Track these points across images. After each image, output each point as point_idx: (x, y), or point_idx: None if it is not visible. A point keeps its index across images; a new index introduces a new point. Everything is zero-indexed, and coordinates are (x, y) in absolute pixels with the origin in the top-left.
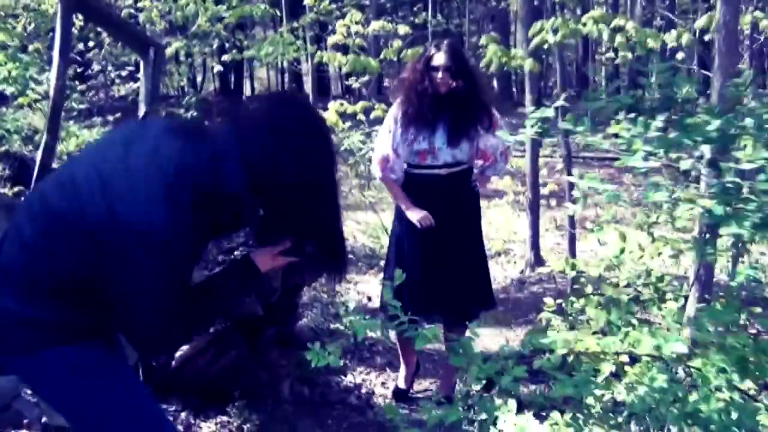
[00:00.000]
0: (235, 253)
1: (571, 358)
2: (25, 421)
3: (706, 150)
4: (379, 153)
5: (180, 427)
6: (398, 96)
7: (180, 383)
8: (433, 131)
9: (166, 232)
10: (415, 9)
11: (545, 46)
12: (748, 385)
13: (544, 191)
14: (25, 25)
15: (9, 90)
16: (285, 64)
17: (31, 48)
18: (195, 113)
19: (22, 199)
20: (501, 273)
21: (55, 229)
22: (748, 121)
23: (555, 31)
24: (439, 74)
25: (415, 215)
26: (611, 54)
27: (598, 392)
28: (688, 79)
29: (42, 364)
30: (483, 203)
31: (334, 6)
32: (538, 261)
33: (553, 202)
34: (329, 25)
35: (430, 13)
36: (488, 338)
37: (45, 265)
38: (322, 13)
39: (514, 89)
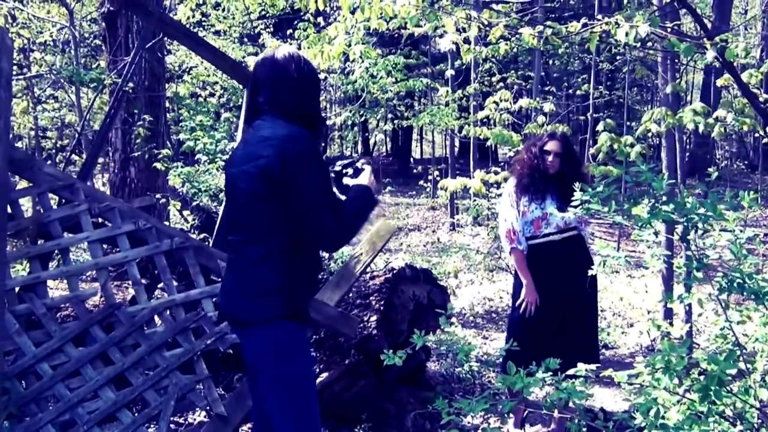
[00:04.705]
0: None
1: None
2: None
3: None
4: (505, 227)
5: None
6: (514, 172)
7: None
8: (543, 200)
9: (318, 153)
10: (580, 80)
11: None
12: None
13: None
14: (220, 100)
15: (203, 158)
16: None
17: (222, 117)
18: None
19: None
20: (634, 339)
21: (250, 200)
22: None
23: (659, 122)
24: (550, 158)
25: (526, 294)
26: None
27: None
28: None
29: (275, 333)
30: (635, 272)
31: (496, 78)
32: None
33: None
34: (493, 93)
35: (592, 85)
36: (608, 398)
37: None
38: (487, 84)
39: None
